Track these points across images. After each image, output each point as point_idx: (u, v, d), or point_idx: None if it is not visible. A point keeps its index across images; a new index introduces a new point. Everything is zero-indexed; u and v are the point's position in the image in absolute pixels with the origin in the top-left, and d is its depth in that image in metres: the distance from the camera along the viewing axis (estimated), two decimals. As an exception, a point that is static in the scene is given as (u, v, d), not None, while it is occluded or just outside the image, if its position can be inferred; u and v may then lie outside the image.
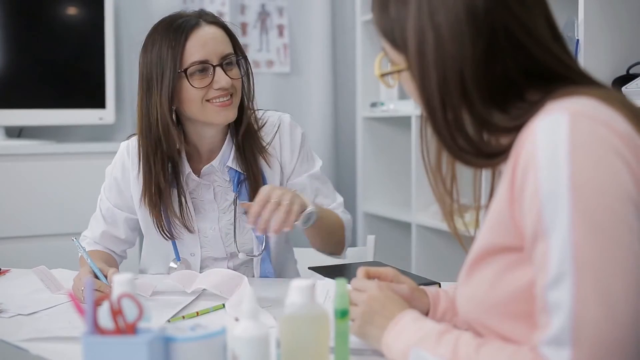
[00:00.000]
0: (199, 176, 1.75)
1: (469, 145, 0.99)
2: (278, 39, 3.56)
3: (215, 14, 1.74)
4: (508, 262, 0.95)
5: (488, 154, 1.00)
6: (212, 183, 1.76)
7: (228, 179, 1.76)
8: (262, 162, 1.77)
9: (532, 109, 0.95)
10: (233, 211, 1.75)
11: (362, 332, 1.13)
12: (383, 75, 1.06)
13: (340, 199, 1.86)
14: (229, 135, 1.76)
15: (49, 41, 2.99)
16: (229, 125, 1.75)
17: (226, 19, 2.00)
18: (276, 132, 1.79)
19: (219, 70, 1.64)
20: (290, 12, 3.58)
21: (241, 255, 1.75)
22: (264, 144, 1.76)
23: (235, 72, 1.68)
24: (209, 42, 1.63)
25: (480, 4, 0.94)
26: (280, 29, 3.56)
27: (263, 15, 3.52)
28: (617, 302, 0.83)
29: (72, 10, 3.09)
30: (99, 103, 3.05)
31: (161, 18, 1.71)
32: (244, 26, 3.45)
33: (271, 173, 1.78)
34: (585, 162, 0.85)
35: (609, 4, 2.14)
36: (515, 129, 0.96)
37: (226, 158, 1.75)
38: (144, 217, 1.77)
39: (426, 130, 1.05)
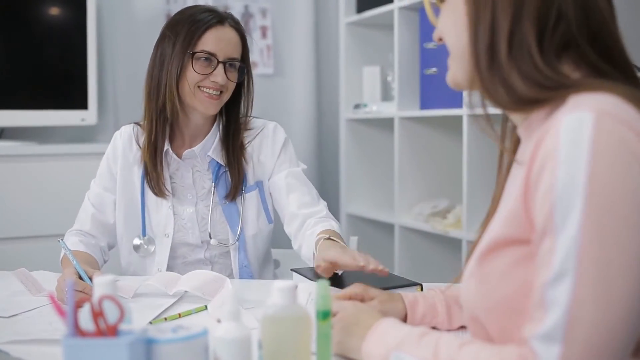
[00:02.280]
0: (180, 158, 1.83)
1: (501, 83, 0.97)
2: (261, 40, 3.56)
3: None
4: (520, 256, 0.95)
5: (518, 99, 0.97)
6: (192, 168, 1.85)
7: (207, 168, 1.85)
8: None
9: (559, 86, 0.94)
10: (210, 200, 1.83)
11: (342, 347, 1.13)
12: None
13: (323, 202, 1.87)
14: (215, 126, 1.86)
15: (31, 42, 2.97)
16: (216, 117, 1.86)
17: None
18: (258, 133, 1.88)
19: (220, 66, 1.76)
20: (273, 13, 3.58)
21: (213, 241, 1.82)
22: (245, 143, 1.86)
23: (234, 75, 1.80)
24: (223, 41, 1.77)
25: None
26: (264, 30, 3.56)
27: (246, 16, 3.52)
28: (613, 307, 0.83)
29: (54, 11, 3.08)
30: (81, 104, 3.03)
31: (197, 4, 1.86)
32: (227, 27, 3.44)
33: (246, 170, 1.86)
34: (604, 166, 0.85)
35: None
36: (536, 86, 0.94)
37: (208, 147, 1.84)
38: (126, 188, 1.85)
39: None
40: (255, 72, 3.50)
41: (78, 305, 0.93)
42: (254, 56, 3.52)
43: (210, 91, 1.76)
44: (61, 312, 0.95)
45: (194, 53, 1.75)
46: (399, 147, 3.09)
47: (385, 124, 3.38)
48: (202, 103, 1.77)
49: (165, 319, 1.42)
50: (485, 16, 0.97)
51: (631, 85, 0.97)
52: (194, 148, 1.82)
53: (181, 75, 1.75)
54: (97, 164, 1.91)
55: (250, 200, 1.85)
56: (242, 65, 1.82)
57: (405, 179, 3.11)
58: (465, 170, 2.65)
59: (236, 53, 1.80)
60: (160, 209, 1.83)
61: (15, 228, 2.79)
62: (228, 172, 1.84)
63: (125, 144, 1.88)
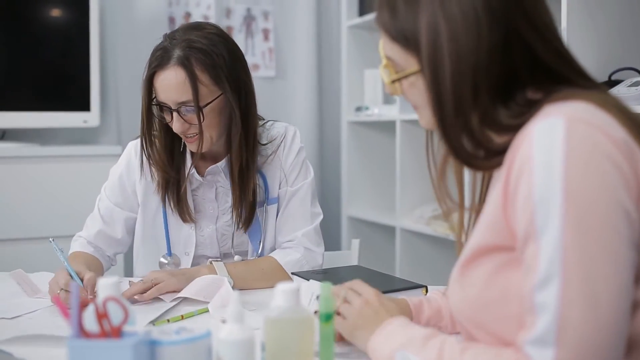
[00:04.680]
0: (203, 175, 1.78)
1: (475, 147, 0.99)
2: (263, 43, 3.56)
3: (193, 36, 1.66)
4: (501, 262, 0.96)
5: (495, 152, 0.99)
6: (215, 183, 1.80)
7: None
8: (266, 170, 1.80)
9: (531, 108, 0.96)
10: (231, 213, 1.77)
11: (351, 332, 1.14)
12: (394, 81, 1.04)
13: (309, 227, 1.80)
14: None
15: (33, 43, 2.97)
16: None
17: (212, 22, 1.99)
18: (281, 142, 1.82)
19: (175, 114, 1.65)
20: (275, 16, 3.58)
21: (237, 258, 1.78)
22: (268, 154, 1.79)
23: (193, 117, 1.64)
24: (164, 89, 1.64)
25: None
26: (266, 33, 3.57)
27: (248, 19, 3.53)
28: (602, 305, 0.84)
29: (56, 12, 3.08)
30: (84, 106, 3.03)
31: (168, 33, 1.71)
32: (229, 30, 3.45)
33: (272, 180, 1.81)
34: (579, 168, 0.87)
35: (591, 11, 2.16)
36: (514, 128, 0.96)
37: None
38: (147, 207, 1.80)
39: (432, 141, 1.06)
40: (257, 74, 3.51)
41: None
42: (256, 59, 3.52)
43: (184, 134, 1.68)
44: (65, 313, 0.95)
45: (155, 105, 1.68)
46: (401, 150, 3.10)
47: (386, 126, 3.39)
48: (187, 145, 1.72)
49: (169, 320, 1.42)
50: (447, 101, 0.97)
51: (600, 91, 0.99)
52: (218, 164, 1.77)
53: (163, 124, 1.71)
54: (99, 166, 1.87)
55: (272, 211, 1.81)
56: (197, 106, 1.62)
57: (407, 182, 3.11)
58: (466, 173, 2.65)
59: (184, 96, 1.61)
60: (181, 229, 1.79)
61: (17, 229, 2.79)
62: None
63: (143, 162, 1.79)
